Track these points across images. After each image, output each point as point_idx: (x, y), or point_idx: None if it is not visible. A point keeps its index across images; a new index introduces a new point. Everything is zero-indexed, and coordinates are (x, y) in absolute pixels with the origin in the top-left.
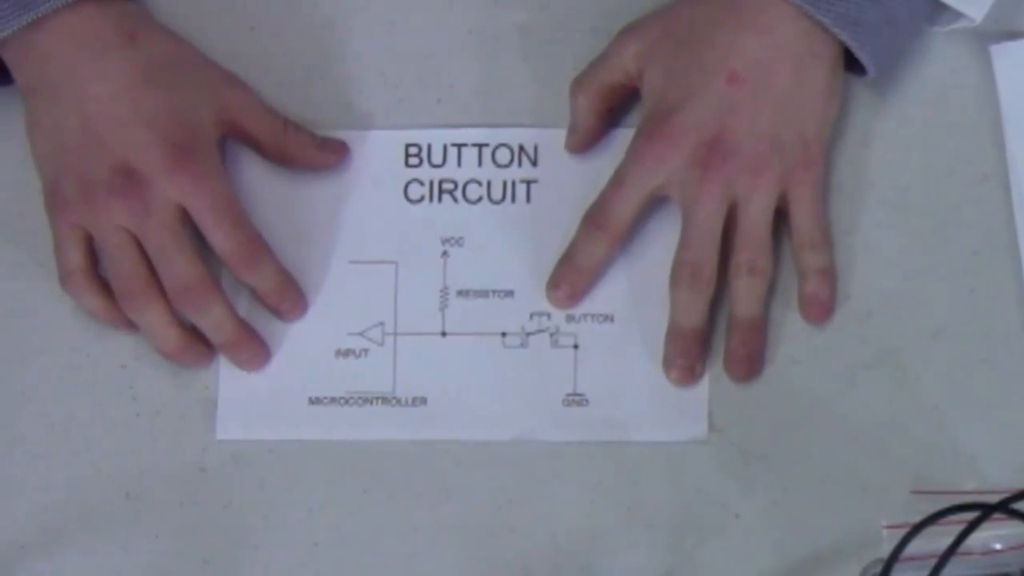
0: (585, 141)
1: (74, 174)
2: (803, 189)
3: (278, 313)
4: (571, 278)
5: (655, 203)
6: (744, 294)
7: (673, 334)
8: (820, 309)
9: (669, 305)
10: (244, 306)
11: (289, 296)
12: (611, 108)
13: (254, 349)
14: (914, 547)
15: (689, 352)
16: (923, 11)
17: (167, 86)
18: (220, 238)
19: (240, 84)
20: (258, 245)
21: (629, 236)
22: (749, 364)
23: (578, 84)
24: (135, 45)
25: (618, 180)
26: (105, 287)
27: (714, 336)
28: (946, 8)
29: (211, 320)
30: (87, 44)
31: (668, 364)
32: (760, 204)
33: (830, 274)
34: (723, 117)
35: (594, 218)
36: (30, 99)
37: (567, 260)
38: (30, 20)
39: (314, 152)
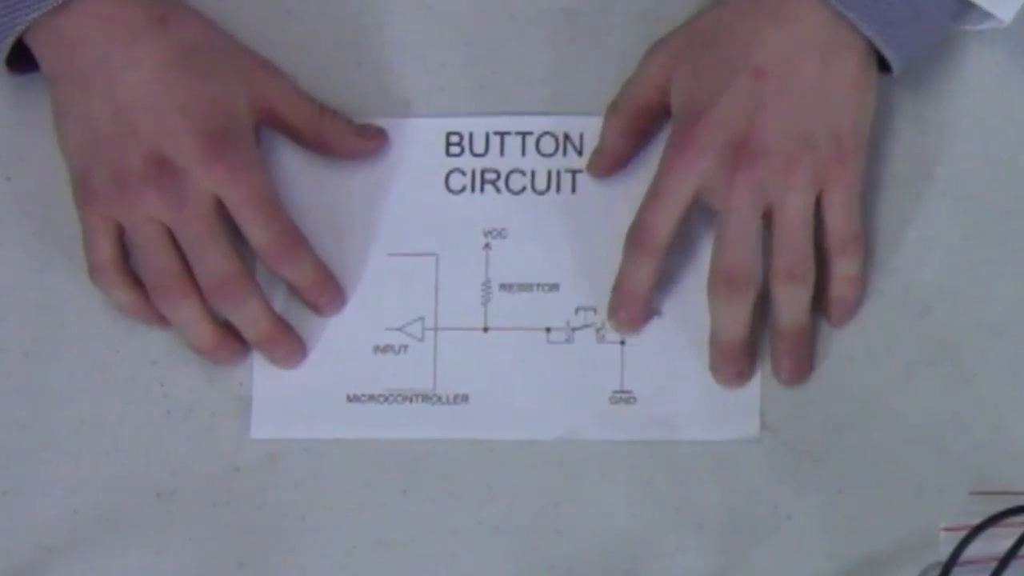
0: (610, 164)
1: (106, 164)
2: (837, 188)
3: (315, 308)
4: (627, 304)
5: (698, 209)
6: (785, 303)
7: (716, 344)
8: (844, 312)
9: (712, 318)
10: (280, 302)
11: (327, 290)
12: (642, 130)
13: (290, 346)
14: (973, 550)
15: (734, 361)
16: (951, 8)
17: (201, 72)
18: (257, 230)
19: (275, 70)
20: (295, 237)
21: (673, 248)
22: (797, 370)
23: (611, 106)
24: (166, 29)
25: (653, 195)
26: (136, 281)
27: (763, 335)
28: (974, 7)
29: (246, 315)
30: (117, 29)
31: (714, 370)
32: (795, 204)
33: (860, 279)
34: (750, 114)
35: (635, 239)
36: (58, 87)
37: (618, 287)
38: (57, 2)
39: (352, 139)
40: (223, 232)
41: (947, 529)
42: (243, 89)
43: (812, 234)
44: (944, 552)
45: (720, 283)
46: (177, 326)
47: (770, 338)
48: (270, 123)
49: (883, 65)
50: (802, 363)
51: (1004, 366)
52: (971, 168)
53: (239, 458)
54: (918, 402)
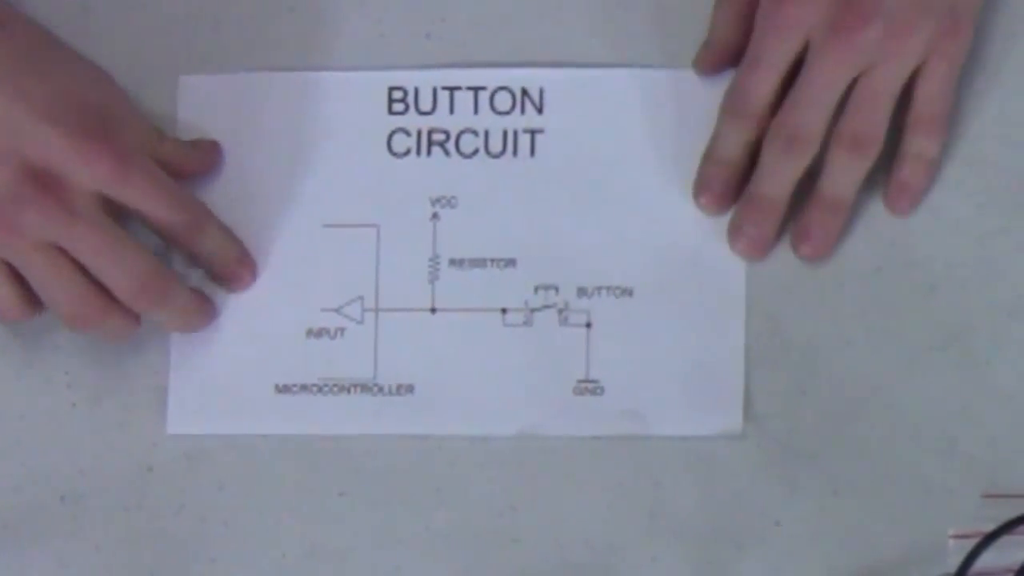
0: (721, 57)
1: None
2: (941, 62)
3: (229, 281)
4: (720, 175)
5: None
6: (838, 170)
7: (749, 198)
8: (908, 199)
9: (758, 167)
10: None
11: (243, 259)
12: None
13: (210, 313)
14: (986, 560)
15: (763, 221)
16: None
17: (52, 71)
18: (163, 213)
19: (117, 85)
20: (201, 209)
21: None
22: (823, 244)
23: None
24: (6, 34)
25: (752, 59)
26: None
27: (752, 336)
28: None
29: (173, 307)
30: None
31: (735, 231)
32: (890, 71)
33: (934, 166)
34: None
35: (733, 107)
36: None
37: (710, 157)
38: None
39: (192, 159)
40: (122, 230)
41: (956, 536)
42: (97, 88)
43: (893, 108)
44: (953, 562)
45: (779, 137)
46: (97, 336)
47: (804, 204)
48: None
49: None
50: (829, 239)
51: (1021, 352)
52: (983, 128)
53: (154, 456)
54: (924, 393)
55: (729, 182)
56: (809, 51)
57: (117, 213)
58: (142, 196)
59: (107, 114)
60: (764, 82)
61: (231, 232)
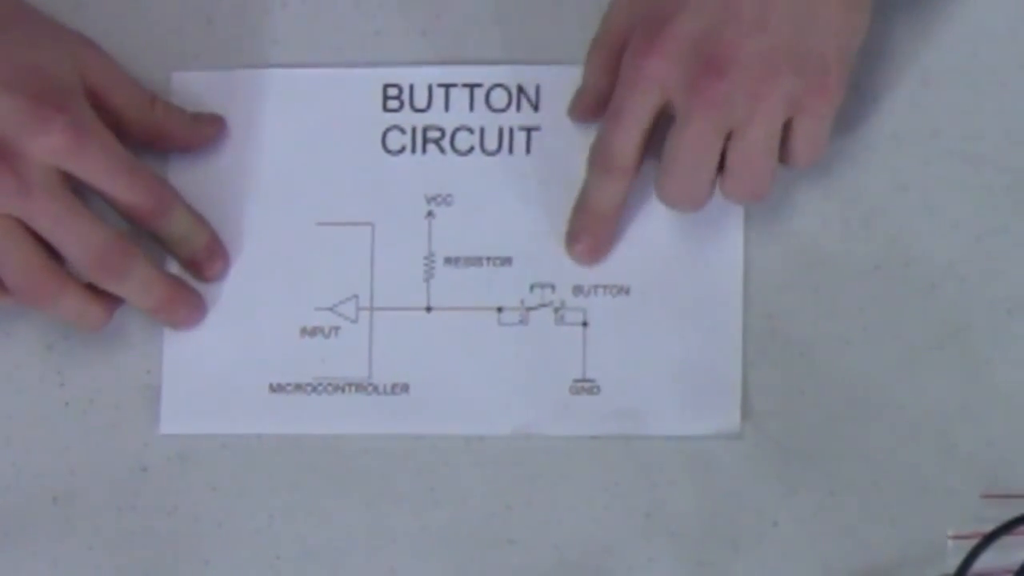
0: (592, 104)
1: None
2: (810, 120)
3: (200, 268)
4: (590, 227)
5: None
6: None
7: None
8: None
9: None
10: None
11: (216, 249)
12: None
13: (191, 302)
14: (985, 561)
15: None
16: None
17: (16, 44)
18: (123, 191)
19: (103, 52)
20: (166, 189)
21: (640, 169)
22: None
23: (592, 42)
24: None
25: (614, 113)
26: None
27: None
28: None
29: (137, 282)
30: None
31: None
32: (758, 131)
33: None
34: (722, 26)
35: (598, 160)
36: None
37: (581, 209)
38: None
39: (188, 129)
40: (81, 202)
41: (955, 537)
42: (68, 61)
43: (774, 163)
44: (952, 563)
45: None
46: (62, 319)
47: None
48: (95, 108)
49: None
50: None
51: (1021, 351)
52: (982, 125)
53: (147, 456)
54: (923, 392)
55: (601, 234)
56: (676, 115)
57: (79, 190)
58: (98, 170)
59: (67, 86)
60: (627, 137)
61: (203, 220)
